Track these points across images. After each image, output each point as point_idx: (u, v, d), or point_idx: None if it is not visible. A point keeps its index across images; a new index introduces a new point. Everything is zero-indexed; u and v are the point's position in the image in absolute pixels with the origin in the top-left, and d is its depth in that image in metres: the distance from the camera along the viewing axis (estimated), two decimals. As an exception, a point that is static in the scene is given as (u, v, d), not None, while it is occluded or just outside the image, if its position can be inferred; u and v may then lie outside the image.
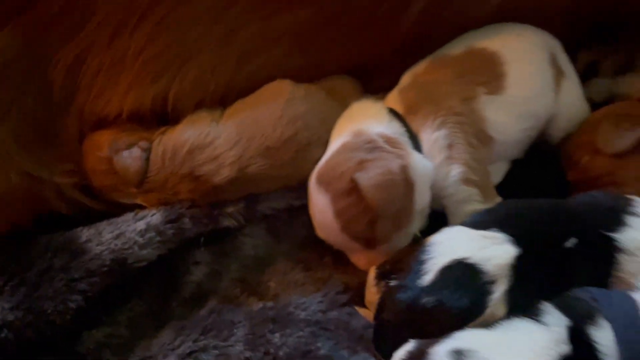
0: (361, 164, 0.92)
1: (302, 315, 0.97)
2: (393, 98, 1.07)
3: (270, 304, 0.98)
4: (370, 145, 0.95)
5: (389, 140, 0.97)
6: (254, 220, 1.06)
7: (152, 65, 1.00)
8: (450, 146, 0.99)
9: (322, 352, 0.92)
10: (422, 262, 0.84)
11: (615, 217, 0.86)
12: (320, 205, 0.95)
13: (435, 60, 1.09)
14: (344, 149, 0.96)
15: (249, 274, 1.03)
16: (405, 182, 0.93)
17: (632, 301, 0.76)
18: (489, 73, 1.05)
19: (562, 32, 1.21)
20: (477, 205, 1.00)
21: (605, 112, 1.10)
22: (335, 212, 0.93)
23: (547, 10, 1.16)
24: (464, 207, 1.00)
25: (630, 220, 0.86)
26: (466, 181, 1.00)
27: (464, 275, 0.81)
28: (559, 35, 1.20)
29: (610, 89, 1.27)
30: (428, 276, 0.82)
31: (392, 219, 0.93)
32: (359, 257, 0.98)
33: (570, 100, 1.13)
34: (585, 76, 1.28)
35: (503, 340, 0.75)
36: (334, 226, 0.94)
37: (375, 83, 1.14)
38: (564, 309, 0.77)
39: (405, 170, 0.93)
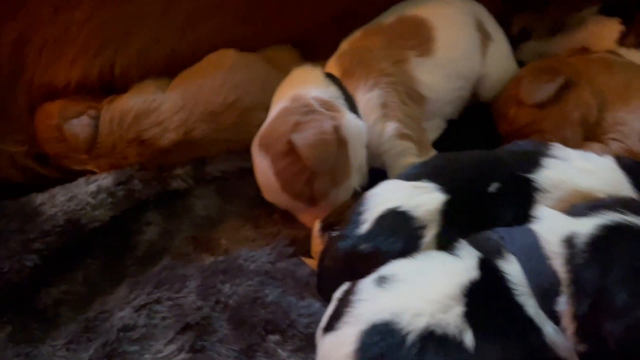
0: (297, 126, 0.98)
1: (252, 266, 1.04)
2: (332, 64, 1.13)
3: (221, 258, 1.04)
4: (307, 109, 1.01)
5: (325, 104, 1.03)
6: (203, 182, 1.12)
7: (96, 38, 1.04)
8: (383, 105, 1.07)
9: (269, 298, 0.99)
10: (359, 213, 0.91)
11: (532, 160, 0.94)
12: (262, 168, 1.01)
13: (370, 28, 1.16)
14: (282, 113, 1.02)
15: (200, 232, 1.09)
16: (338, 140, 0.99)
17: (532, 233, 0.82)
18: (418, 38, 1.13)
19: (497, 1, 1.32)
20: (413, 158, 1.08)
21: (528, 67, 1.19)
22: (276, 173, 1.00)
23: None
24: (401, 160, 1.07)
25: (545, 161, 0.93)
26: (401, 136, 1.07)
27: (397, 223, 0.88)
28: (495, 3, 1.30)
29: (542, 51, 1.36)
30: (365, 225, 0.89)
31: (329, 176, 0.99)
32: (304, 215, 1.05)
33: (497, 61, 1.21)
34: (520, 39, 1.38)
35: (420, 267, 0.82)
36: (276, 187, 1.00)
37: (316, 52, 1.20)
38: (476, 245, 0.83)
39: (338, 129, 0.99)
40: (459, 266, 0.81)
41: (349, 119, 1.03)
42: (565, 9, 1.35)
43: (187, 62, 1.10)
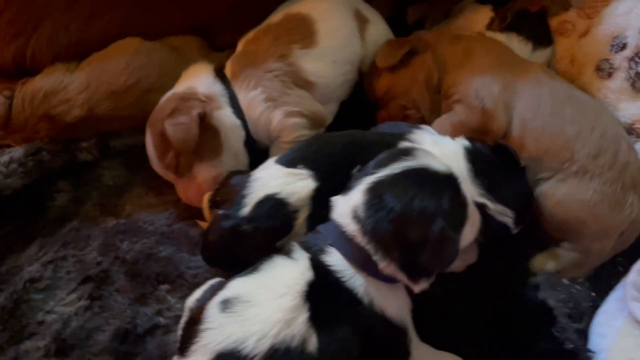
0: (173, 111, 1.12)
1: (150, 228, 1.17)
2: (228, 64, 1.24)
3: (123, 220, 1.17)
4: (187, 97, 1.14)
5: (207, 96, 1.16)
6: (111, 155, 1.24)
7: (10, 27, 1.15)
8: (267, 99, 1.18)
9: (162, 254, 1.13)
10: (243, 196, 1.04)
11: (392, 144, 1.05)
12: (147, 141, 1.15)
13: (260, 28, 1.28)
14: (169, 98, 1.16)
15: (107, 199, 1.22)
16: (209, 127, 1.13)
17: (334, 222, 0.90)
18: (302, 32, 1.25)
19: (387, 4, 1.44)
20: (305, 131, 1.20)
21: (386, 41, 1.30)
22: (154, 147, 1.14)
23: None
24: (294, 134, 1.19)
25: (402, 145, 1.04)
26: (290, 114, 1.19)
27: (274, 207, 1.01)
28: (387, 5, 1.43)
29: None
30: (247, 208, 1.02)
31: (193, 154, 1.12)
32: (177, 186, 1.18)
33: (376, 41, 1.32)
34: (415, 27, 1.50)
35: (261, 281, 0.89)
36: (154, 158, 1.15)
37: (215, 41, 1.34)
38: (305, 247, 0.92)
39: (203, 117, 1.12)
40: (296, 271, 0.88)
41: (223, 112, 1.17)
42: (449, 2, 1.49)
43: (95, 49, 1.22)
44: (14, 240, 1.14)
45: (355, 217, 0.87)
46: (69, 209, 1.19)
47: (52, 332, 1.02)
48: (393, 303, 0.91)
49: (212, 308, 0.87)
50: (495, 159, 1.06)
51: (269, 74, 1.20)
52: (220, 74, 1.21)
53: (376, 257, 0.86)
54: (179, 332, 0.91)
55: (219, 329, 0.84)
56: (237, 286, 0.90)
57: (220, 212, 1.07)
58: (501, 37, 1.33)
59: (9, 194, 1.15)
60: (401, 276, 0.87)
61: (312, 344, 0.83)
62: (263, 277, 0.90)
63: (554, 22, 1.37)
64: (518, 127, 1.12)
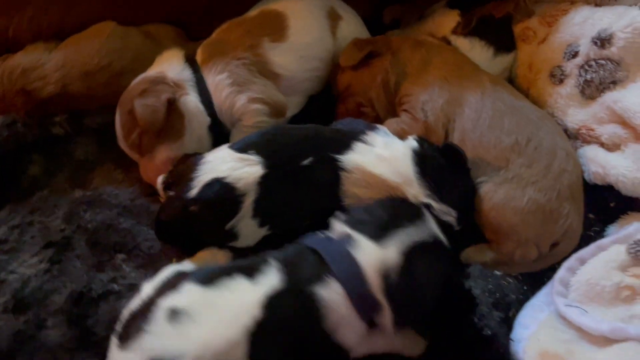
0: (143, 92, 1.18)
1: (113, 201, 1.24)
2: (199, 51, 1.30)
3: (89, 193, 1.24)
4: (157, 81, 1.21)
5: (175, 81, 1.23)
6: (83, 132, 1.31)
7: (-7, 7, 1.23)
8: (232, 83, 1.24)
9: (122, 226, 1.19)
10: (191, 179, 1.08)
11: (345, 142, 1.11)
12: (116, 120, 1.22)
13: (236, 20, 1.34)
14: (140, 80, 1.22)
15: (78, 173, 1.28)
16: (174, 112, 1.19)
17: (354, 262, 0.91)
18: (274, 27, 1.31)
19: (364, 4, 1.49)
20: (265, 117, 1.25)
21: (352, 40, 1.34)
22: (120, 125, 1.20)
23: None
24: (253, 120, 1.24)
25: (355, 145, 1.11)
26: (252, 100, 1.25)
27: (221, 190, 1.06)
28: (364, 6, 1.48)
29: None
30: (195, 190, 1.07)
31: (157, 135, 1.18)
32: (140, 165, 1.23)
33: (347, 37, 1.36)
34: (390, 27, 1.56)
35: (213, 299, 0.89)
36: (120, 136, 1.21)
37: (191, 32, 1.41)
38: (291, 267, 0.92)
39: (172, 102, 1.18)
40: (251, 301, 0.88)
41: (189, 98, 1.23)
42: (425, 3, 1.54)
43: (74, 31, 1.29)
44: (-14, 206, 1.23)
45: (385, 276, 0.90)
46: (41, 179, 1.26)
47: (12, 290, 1.09)
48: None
49: (160, 312, 0.88)
50: (442, 160, 1.11)
51: (237, 61, 1.26)
52: (190, 61, 1.27)
53: (380, 313, 0.90)
54: (126, 313, 0.92)
55: (160, 337, 0.86)
56: (190, 296, 0.90)
57: (171, 193, 1.12)
58: (465, 41, 1.39)
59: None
60: (389, 327, 0.91)
61: None
62: (216, 296, 0.90)
63: (517, 29, 1.42)
64: (457, 138, 1.17)
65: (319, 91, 1.41)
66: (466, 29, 1.39)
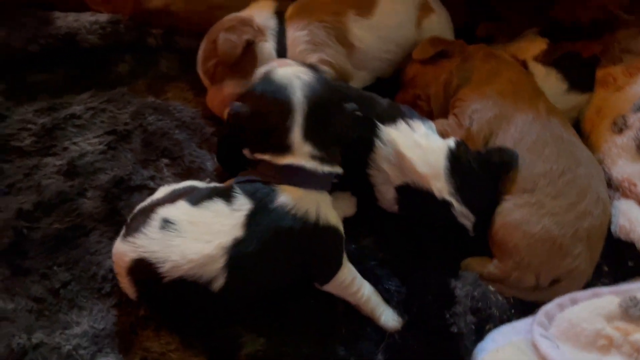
0: (229, 28, 1.28)
1: (177, 114, 1.35)
2: (290, 6, 1.38)
3: (159, 101, 1.37)
4: (245, 22, 1.31)
5: (259, 27, 1.32)
6: (171, 49, 1.44)
7: None
8: (309, 42, 1.32)
9: (176, 137, 1.31)
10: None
11: (393, 117, 1.17)
12: (201, 46, 1.32)
13: None
14: (231, 17, 1.33)
15: (156, 82, 1.41)
16: (249, 53, 1.27)
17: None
18: (363, 2, 1.37)
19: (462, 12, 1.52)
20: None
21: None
22: (202, 52, 1.31)
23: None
24: None
25: (399, 122, 1.16)
26: (322, 62, 1.32)
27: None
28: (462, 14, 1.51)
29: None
30: None
31: (230, 68, 1.27)
32: (208, 92, 1.33)
33: (431, 30, 1.41)
34: (482, 41, 1.55)
35: (197, 217, 1.00)
36: (200, 61, 1.32)
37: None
38: (250, 194, 1.02)
39: (250, 43, 1.27)
40: (229, 222, 0.99)
41: (266, 45, 1.32)
42: (520, 27, 1.54)
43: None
44: (76, 83, 1.38)
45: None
46: (125, 77, 1.41)
47: (69, 157, 1.24)
48: (334, 213, 1.06)
49: (156, 219, 1.01)
50: (475, 165, 1.13)
51: (319, 23, 1.34)
52: (279, 13, 1.36)
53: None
54: (137, 209, 1.06)
55: (150, 240, 0.99)
56: (181, 210, 1.01)
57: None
58: (542, 69, 1.38)
59: (86, 47, 1.38)
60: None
61: (219, 283, 0.97)
62: (199, 215, 1.01)
63: (600, 73, 1.39)
64: None
65: (389, 75, 1.44)
66: (548, 58, 1.39)
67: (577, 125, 1.37)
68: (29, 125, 1.28)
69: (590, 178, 1.16)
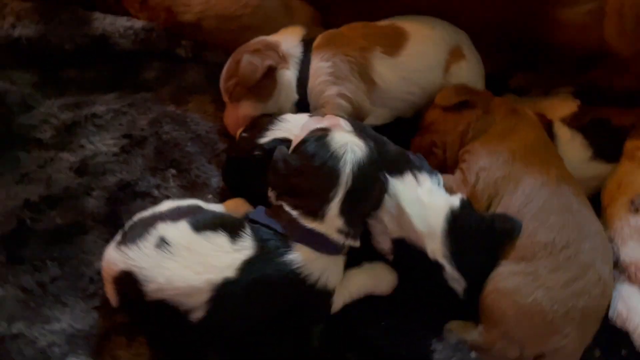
0: (255, 51, 1.30)
1: (193, 126, 1.38)
2: (320, 35, 1.38)
3: (179, 111, 1.39)
4: (270, 47, 1.32)
5: (284, 53, 1.33)
6: (199, 61, 1.47)
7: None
8: (331, 74, 1.31)
9: (187, 149, 1.34)
10: (267, 129, 1.21)
11: (401, 168, 1.14)
12: (226, 64, 1.34)
13: (364, 23, 1.39)
14: (258, 40, 1.35)
15: (179, 92, 1.43)
16: (269, 78, 1.29)
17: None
18: (391, 41, 1.35)
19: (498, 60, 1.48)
20: (344, 115, 1.29)
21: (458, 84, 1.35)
22: (226, 69, 1.33)
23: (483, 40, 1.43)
24: (334, 112, 1.29)
25: (407, 174, 1.13)
26: (341, 95, 1.31)
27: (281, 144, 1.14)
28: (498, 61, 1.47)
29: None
30: (266, 139, 1.19)
31: (248, 90, 1.28)
32: (226, 109, 1.36)
33: (460, 77, 1.37)
34: (513, 91, 1.52)
35: (195, 244, 0.99)
36: (222, 78, 1.34)
37: (327, 18, 1.49)
38: (259, 240, 1.02)
39: (271, 69, 1.29)
40: (224, 262, 0.98)
41: (287, 73, 1.32)
42: (556, 83, 1.48)
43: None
44: (104, 83, 1.43)
45: None
46: (150, 83, 1.44)
47: (83, 156, 1.29)
48: (338, 277, 1.06)
49: (154, 236, 1.01)
50: (476, 229, 1.09)
51: (344, 56, 1.33)
52: (306, 42, 1.36)
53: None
54: (136, 217, 1.08)
55: (142, 256, 0.99)
56: (181, 233, 1.01)
57: (244, 134, 1.26)
58: (567, 132, 1.33)
59: (117, 51, 1.43)
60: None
61: (197, 315, 0.97)
62: (198, 243, 1.00)
63: (628, 144, 1.32)
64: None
65: (410, 115, 1.41)
66: (576, 122, 1.33)
67: (597, 197, 1.31)
68: (52, 119, 1.33)
69: (595, 255, 1.10)
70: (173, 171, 1.30)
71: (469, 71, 1.41)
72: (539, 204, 1.12)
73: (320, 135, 1.07)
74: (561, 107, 1.38)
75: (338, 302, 1.11)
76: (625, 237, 1.17)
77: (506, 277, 1.08)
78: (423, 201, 1.11)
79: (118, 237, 1.05)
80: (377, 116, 1.40)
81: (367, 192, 1.07)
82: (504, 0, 1.30)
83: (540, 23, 1.29)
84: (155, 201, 1.24)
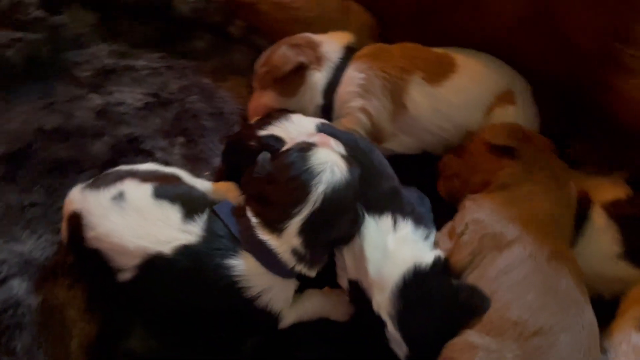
0: (294, 45, 1.28)
1: (219, 103, 1.39)
2: (366, 47, 1.32)
3: (213, 85, 1.41)
4: (310, 46, 1.29)
5: (322, 55, 1.29)
6: (247, 43, 1.47)
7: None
8: (361, 86, 1.25)
9: (204, 122, 1.34)
10: (269, 123, 1.17)
11: (383, 207, 1.04)
12: (266, 51, 1.33)
13: (417, 45, 1.31)
14: (302, 36, 1.32)
15: (221, 68, 1.46)
16: (299, 74, 1.26)
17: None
18: (436, 69, 1.26)
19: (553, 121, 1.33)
20: (362, 131, 1.25)
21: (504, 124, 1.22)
22: (264, 55, 1.32)
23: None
24: (353, 125, 1.25)
25: (386, 217, 1.03)
26: (364, 111, 1.25)
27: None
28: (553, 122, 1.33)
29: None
30: (264, 132, 1.15)
31: (275, 81, 1.26)
32: (252, 95, 1.34)
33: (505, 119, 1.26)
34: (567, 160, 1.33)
35: (150, 211, 0.98)
36: (258, 63, 1.32)
37: (385, 33, 1.44)
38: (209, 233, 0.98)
39: (302, 67, 1.25)
40: (164, 235, 0.96)
41: (318, 75, 1.28)
42: (610, 164, 1.29)
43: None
44: (156, 41, 1.48)
45: None
46: (197, 53, 1.48)
47: (108, 101, 1.34)
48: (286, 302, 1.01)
49: (117, 189, 1.01)
50: (435, 294, 0.98)
51: (380, 72, 1.26)
52: (349, 50, 1.31)
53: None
54: (114, 169, 1.09)
55: (97, 202, 1.00)
56: (141, 194, 1.01)
57: (253, 122, 1.24)
58: (603, 218, 1.15)
59: (175, 14, 1.47)
60: None
61: (124, 277, 0.96)
62: (150, 209, 0.99)
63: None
64: (474, 276, 1.01)
65: (439, 152, 1.30)
66: (616, 211, 1.15)
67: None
68: (95, 61, 1.40)
69: (573, 353, 0.93)
70: (182, 139, 1.31)
71: (517, 119, 1.27)
72: (518, 277, 0.97)
73: (304, 148, 1.01)
74: (608, 190, 1.19)
75: (289, 317, 1.05)
76: (620, 355, 0.98)
77: (464, 348, 0.94)
78: (387, 248, 1.01)
79: (91, 180, 1.07)
80: (400, 143, 1.31)
81: (335, 218, 0.99)
82: (558, 55, 1.16)
83: (599, 89, 1.13)
84: (154, 159, 1.25)
